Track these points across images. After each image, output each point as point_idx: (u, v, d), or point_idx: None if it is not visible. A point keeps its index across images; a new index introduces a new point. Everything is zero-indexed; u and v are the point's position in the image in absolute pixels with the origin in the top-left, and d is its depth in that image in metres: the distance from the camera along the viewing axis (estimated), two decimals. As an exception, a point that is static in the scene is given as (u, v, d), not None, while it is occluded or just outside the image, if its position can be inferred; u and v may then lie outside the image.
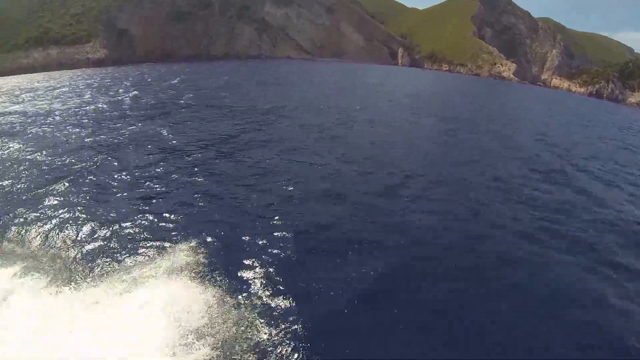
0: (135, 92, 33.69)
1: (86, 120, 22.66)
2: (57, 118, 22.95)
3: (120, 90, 34.21)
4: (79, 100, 29.08)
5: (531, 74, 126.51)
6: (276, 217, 12.02)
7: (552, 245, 13.01)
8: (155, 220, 11.36)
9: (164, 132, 20.36)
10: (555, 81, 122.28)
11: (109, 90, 34.18)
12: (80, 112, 24.80)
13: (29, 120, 22.49)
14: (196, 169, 15.36)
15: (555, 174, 21.11)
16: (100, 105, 27.04)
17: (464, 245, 12.38)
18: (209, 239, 10.51)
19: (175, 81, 42.95)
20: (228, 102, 31.06)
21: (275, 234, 11.19)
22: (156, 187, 13.51)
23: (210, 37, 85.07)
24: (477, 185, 17.84)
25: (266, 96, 36.19)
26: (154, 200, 12.56)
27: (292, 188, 14.29)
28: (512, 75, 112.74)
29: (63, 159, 15.83)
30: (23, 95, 31.39)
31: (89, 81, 40.58)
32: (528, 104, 66.07)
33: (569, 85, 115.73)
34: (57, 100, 29.16)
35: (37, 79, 41.78)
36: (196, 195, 13.17)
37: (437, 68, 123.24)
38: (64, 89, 34.48)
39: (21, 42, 47.53)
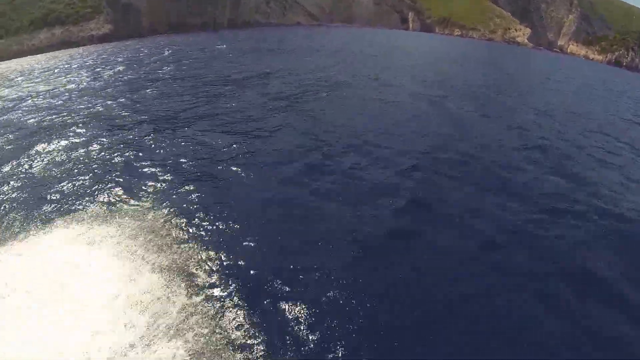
0: (119, 67, 34.16)
1: (55, 102, 22.83)
2: (30, 102, 23.27)
3: (108, 67, 34.47)
4: (62, 80, 29.52)
5: (547, 39, 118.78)
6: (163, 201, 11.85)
7: (515, 263, 10.04)
8: (59, 199, 11.93)
9: (116, 111, 20.31)
10: (572, 47, 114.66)
11: (97, 68, 34.52)
12: (55, 93, 25.16)
13: (4, 106, 23.08)
14: (121, 146, 15.43)
15: (543, 154, 18.26)
16: (77, 85, 27.35)
17: (386, 255, 9.92)
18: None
19: (167, 53, 42.75)
20: (202, 73, 30.43)
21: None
22: (75, 169, 13.77)
23: (217, 6, 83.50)
24: (433, 165, 15.41)
25: (248, 65, 35.22)
26: (67, 183, 12.97)
27: (194, 168, 13.92)
28: (526, 41, 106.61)
29: (7, 146, 16.34)
30: (17, 79, 32.12)
31: (85, 59, 41.13)
32: (540, 71, 62.09)
33: (587, 52, 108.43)
34: (44, 82, 29.69)
35: (38, 61, 42.57)
36: (111, 174, 13.34)
37: (449, 33, 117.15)
38: (56, 70, 35.09)
39: (26, 24, 48.40)
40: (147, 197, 11.98)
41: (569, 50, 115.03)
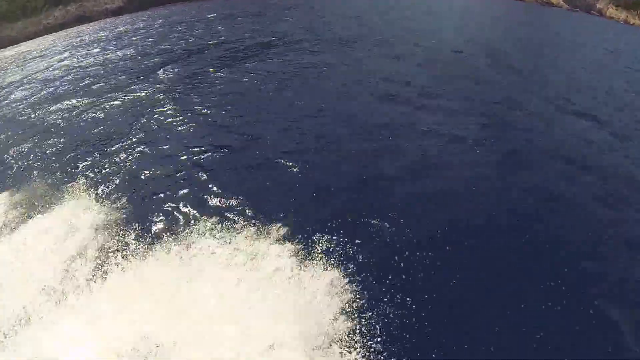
0: (96, 49, 34.73)
1: (11, 94, 24.85)
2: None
3: (88, 48, 34.91)
4: (36, 68, 30.47)
5: (584, 1, 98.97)
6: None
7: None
8: None
9: (45, 98, 21.53)
10: (611, 11, 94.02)
11: (78, 48, 35.52)
12: (21, 82, 26.93)
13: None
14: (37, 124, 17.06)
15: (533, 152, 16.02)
16: (43, 74, 28.28)
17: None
18: None
19: (157, 24, 42.61)
20: (153, 52, 30.13)
21: None
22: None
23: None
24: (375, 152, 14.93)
25: (212, 35, 34.49)
26: None
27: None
28: (562, 2, 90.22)
29: None
30: (10, 67, 34.13)
31: (83, 37, 41.78)
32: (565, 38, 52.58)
33: (627, 17, 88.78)
34: (26, 70, 30.80)
35: (47, 40, 44.36)
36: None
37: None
38: (48, 54, 35.92)
39: (40, 4, 50.47)
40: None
41: (607, 14, 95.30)
